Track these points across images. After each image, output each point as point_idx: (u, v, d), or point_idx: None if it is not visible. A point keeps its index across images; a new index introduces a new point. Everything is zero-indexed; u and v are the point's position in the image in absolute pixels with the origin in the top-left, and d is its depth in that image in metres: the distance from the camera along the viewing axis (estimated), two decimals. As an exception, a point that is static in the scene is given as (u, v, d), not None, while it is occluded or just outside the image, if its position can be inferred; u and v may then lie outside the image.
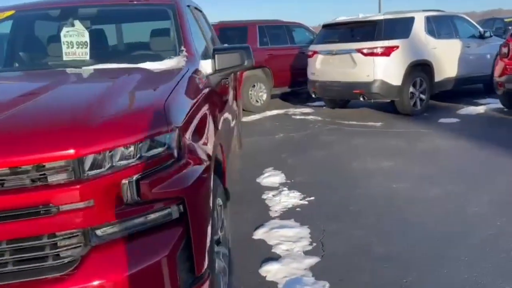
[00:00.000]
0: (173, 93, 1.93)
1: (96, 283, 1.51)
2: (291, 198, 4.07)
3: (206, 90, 2.44)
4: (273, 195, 4.18)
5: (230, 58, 2.85)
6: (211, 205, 1.90)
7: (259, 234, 3.38)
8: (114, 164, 1.57)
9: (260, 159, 5.48)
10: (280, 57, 9.40)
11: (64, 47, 3.00)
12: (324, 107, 9.04)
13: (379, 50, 7.29)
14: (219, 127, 2.55)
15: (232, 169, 5.06)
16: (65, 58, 2.97)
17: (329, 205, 3.91)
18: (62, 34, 3.02)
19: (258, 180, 4.66)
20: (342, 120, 7.67)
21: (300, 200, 4.05)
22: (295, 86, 9.73)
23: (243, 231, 3.43)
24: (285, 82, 9.68)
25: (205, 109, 2.22)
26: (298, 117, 8.28)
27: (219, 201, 2.45)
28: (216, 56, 2.80)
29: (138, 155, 1.62)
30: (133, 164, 1.60)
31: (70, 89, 1.98)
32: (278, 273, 2.80)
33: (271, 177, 4.69)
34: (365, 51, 7.37)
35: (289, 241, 3.22)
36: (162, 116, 1.70)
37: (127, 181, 1.58)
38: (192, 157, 1.82)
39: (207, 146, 2.02)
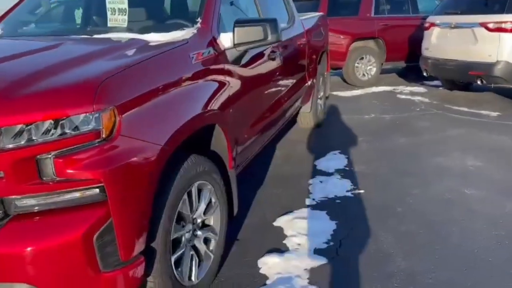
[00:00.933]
0: (130, 69, 1.85)
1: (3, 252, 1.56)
2: (337, 188, 3.74)
3: (201, 68, 2.30)
4: (321, 181, 3.89)
5: (252, 31, 2.63)
6: (151, 191, 1.81)
7: (281, 221, 3.18)
8: (31, 138, 1.57)
9: (332, 140, 5.12)
10: (397, 27, 8.50)
11: (108, 14, 3.09)
12: (440, 88, 8.02)
13: (508, 26, 6.10)
14: (216, 107, 2.39)
15: (295, 149, 4.86)
16: (109, 24, 3.06)
17: (376, 202, 3.49)
18: (107, 0, 3.12)
19: (315, 162, 4.37)
20: (452, 105, 6.72)
21: (347, 191, 3.69)
22: (413, 61, 8.78)
23: (268, 216, 3.27)
24: (401, 56, 8.79)
25: (181, 88, 2.09)
26: (403, 96, 7.50)
27: (206, 184, 2.34)
28: (235, 29, 2.61)
29: (59, 132, 1.59)
30: (51, 140, 1.58)
31: (31, 58, 2.02)
32: (274, 268, 2.61)
33: (331, 161, 4.36)
34: (490, 25, 6.22)
35: (306, 234, 2.97)
36: (91, 94, 1.63)
37: (43, 157, 1.58)
38: (131, 139, 1.74)
39: (165, 129, 1.92)
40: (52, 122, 1.58)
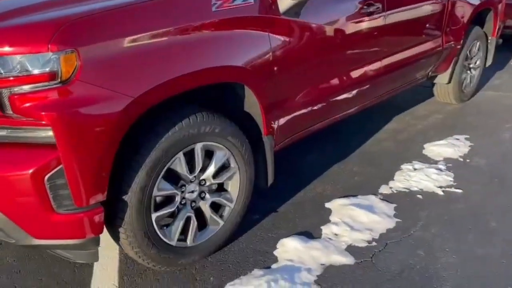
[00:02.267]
0: (111, 12, 1.71)
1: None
2: (429, 180, 3.05)
3: (223, 17, 2.00)
4: (415, 169, 3.23)
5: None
6: (112, 143, 1.71)
7: (335, 204, 2.77)
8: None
9: (462, 122, 4.18)
10: None
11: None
12: None
13: None
14: (242, 63, 2.10)
15: (411, 124, 4.15)
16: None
17: (468, 209, 2.74)
18: None
19: (425, 145, 3.63)
20: None
21: (439, 187, 2.98)
22: None
23: (325, 194, 2.89)
24: None
25: (183, 38, 1.87)
26: None
27: (217, 146, 2.15)
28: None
29: (18, 68, 1.59)
30: (9, 75, 1.59)
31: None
32: (289, 253, 2.31)
33: (445, 147, 3.57)
34: None
35: (350, 226, 2.53)
36: (50, 34, 1.56)
37: (4, 92, 1.61)
38: (94, 86, 1.64)
39: (144, 81, 1.75)
40: (12, 57, 1.60)
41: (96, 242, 1.87)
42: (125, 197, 1.88)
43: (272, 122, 2.43)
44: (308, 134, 2.85)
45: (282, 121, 2.52)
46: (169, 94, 1.88)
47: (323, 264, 2.24)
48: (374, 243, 2.41)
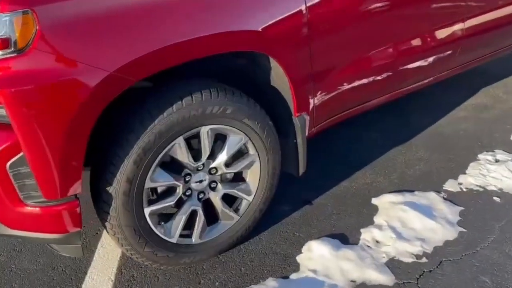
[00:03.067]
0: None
1: None
2: (509, 178, 2.43)
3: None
4: (496, 161, 2.58)
5: None
6: (84, 126, 1.39)
7: (384, 200, 2.28)
8: None
9: None
10: None
11: None
12: None
13: None
14: (261, 28, 1.64)
15: (501, 100, 3.40)
16: None
17: None
18: None
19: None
20: None
21: (526, 188, 2.36)
22: None
23: (372, 187, 2.40)
24: None
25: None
26: None
27: (231, 130, 1.76)
28: None
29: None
30: None
31: None
32: (315, 261, 1.90)
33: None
34: None
35: (398, 233, 2.04)
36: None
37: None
38: (59, 57, 1.31)
39: (124, 51, 1.38)
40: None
41: (75, 237, 1.61)
42: (109, 189, 1.59)
43: (306, 100, 1.97)
44: (357, 114, 2.35)
45: (319, 99, 2.05)
46: (161, 67, 1.50)
47: (353, 281, 1.82)
48: (424, 259, 1.92)
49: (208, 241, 1.92)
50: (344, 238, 2.05)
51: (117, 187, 1.58)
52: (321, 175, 2.49)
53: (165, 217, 1.83)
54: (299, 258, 1.95)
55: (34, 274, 1.93)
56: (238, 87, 1.84)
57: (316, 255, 1.94)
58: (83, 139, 1.43)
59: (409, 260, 1.91)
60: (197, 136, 1.72)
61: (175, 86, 1.66)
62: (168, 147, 1.65)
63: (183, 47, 1.51)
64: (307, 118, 2.02)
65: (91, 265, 1.97)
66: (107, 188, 1.59)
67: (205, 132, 1.72)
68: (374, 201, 2.29)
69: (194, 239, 1.87)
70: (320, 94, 2.04)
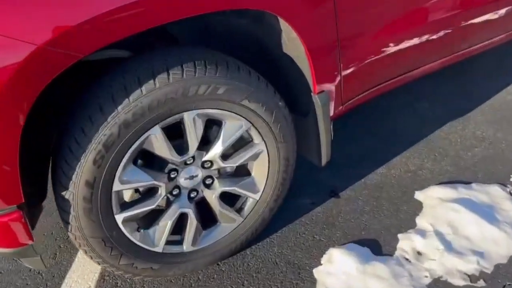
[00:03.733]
0: None
1: None
2: None
3: None
4: None
5: None
6: (14, 122, 1.03)
7: (431, 194, 1.80)
8: None
9: None
10: None
11: None
12: None
13: None
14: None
15: None
16: None
17: None
18: None
19: None
20: None
21: None
22: None
23: (426, 174, 1.93)
24: None
25: None
26: None
27: (226, 115, 1.35)
28: None
29: None
30: None
31: None
32: (331, 278, 1.50)
33: None
34: None
35: (447, 243, 1.59)
36: None
37: None
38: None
39: (55, 17, 0.98)
40: None
41: (30, 250, 1.30)
42: (66, 194, 1.24)
43: (329, 72, 1.51)
44: (401, 85, 1.85)
45: (349, 68, 1.57)
46: (116, 37, 1.09)
47: (384, 309, 1.43)
48: (481, 283, 1.48)
49: (204, 247, 1.57)
50: (376, 247, 1.63)
51: (74, 192, 1.24)
52: (351, 158, 2.04)
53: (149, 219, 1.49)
54: (316, 272, 1.56)
55: (8, 275, 1.68)
56: (240, 57, 1.42)
57: (338, 269, 1.55)
58: (12, 136, 1.07)
59: (461, 282, 1.48)
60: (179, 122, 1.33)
61: (144, 58, 1.26)
62: (140, 140, 1.26)
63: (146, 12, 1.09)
64: (332, 94, 1.56)
65: (71, 268, 1.68)
66: (63, 193, 1.24)
67: (190, 119, 1.31)
68: (418, 195, 1.83)
69: (186, 246, 1.52)
70: (350, 62, 1.57)
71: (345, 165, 1.99)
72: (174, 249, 1.52)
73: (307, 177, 1.92)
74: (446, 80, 2.54)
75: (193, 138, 1.35)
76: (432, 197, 1.80)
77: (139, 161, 1.41)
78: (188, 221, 1.49)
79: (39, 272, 1.68)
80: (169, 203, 1.47)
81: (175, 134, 1.37)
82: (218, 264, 1.63)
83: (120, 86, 1.20)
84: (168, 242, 1.50)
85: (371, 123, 2.28)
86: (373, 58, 1.64)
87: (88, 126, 1.19)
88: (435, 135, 2.17)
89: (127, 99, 1.19)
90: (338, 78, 1.55)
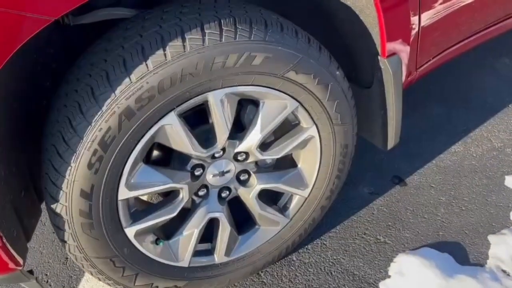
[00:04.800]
0: None
1: None
2: None
3: None
4: None
5: None
6: None
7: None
8: None
9: None
10: None
11: None
12: None
13: None
14: None
15: None
16: None
17: None
18: None
19: None
20: None
21: None
22: None
23: (496, 175, 1.53)
24: None
25: None
26: None
27: (251, 91, 0.98)
28: None
29: None
30: None
31: None
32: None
33: None
34: None
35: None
36: None
37: None
38: None
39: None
40: None
41: (21, 276, 1.03)
42: (56, 208, 0.94)
43: (404, 25, 1.10)
44: (486, 40, 1.42)
45: (429, 19, 1.16)
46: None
47: None
48: None
49: (240, 257, 1.26)
50: (460, 252, 1.27)
51: (67, 205, 0.93)
52: (418, 133, 1.65)
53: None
54: (383, 286, 1.23)
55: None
56: (282, 11, 1.04)
57: (412, 282, 1.21)
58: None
59: None
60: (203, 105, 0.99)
61: (149, 17, 0.90)
62: (150, 132, 0.93)
63: None
64: (406, 56, 1.17)
65: (84, 277, 1.43)
66: (53, 207, 0.94)
67: (217, 101, 0.96)
68: (509, 182, 1.43)
69: (218, 257, 1.22)
70: (432, 11, 1.16)
71: (411, 142, 1.61)
72: (204, 260, 1.21)
73: (365, 158, 1.56)
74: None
75: (221, 126, 1.00)
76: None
77: (153, 155, 1.10)
78: (220, 227, 1.18)
79: (47, 281, 1.43)
80: (195, 206, 1.15)
81: (198, 118, 1.04)
82: (258, 275, 1.32)
83: (116, 59, 0.86)
84: (196, 253, 1.20)
85: (441, 88, 1.85)
86: (455, 7, 1.22)
87: (77, 118, 0.86)
88: (525, 101, 1.74)
89: (127, 78, 0.85)
90: (416, 34, 1.15)
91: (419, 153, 1.58)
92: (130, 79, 0.85)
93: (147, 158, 1.06)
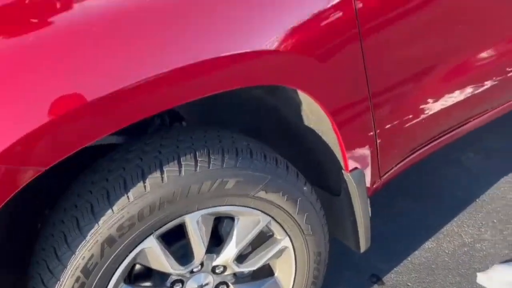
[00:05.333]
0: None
1: None
2: None
3: None
4: None
5: None
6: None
7: (493, 277, 1.47)
8: None
9: None
10: None
11: None
12: None
13: None
14: (282, 47, 0.92)
15: None
16: None
17: None
18: None
19: None
20: None
21: None
22: None
23: (488, 251, 1.60)
24: None
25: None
26: None
27: (225, 212, 1.07)
28: None
29: None
30: None
31: None
32: None
33: None
34: None
35: None
36: None
37: None
38: None
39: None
40: None
41: None
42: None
43: (362, 142, 1.23)
44: (449, 142, 1.56)
45: (387, 133, 1.29)
46: (87, 140, 0.84)
47: None
48: None
49: None
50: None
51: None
52: (391, 230, 1.73)
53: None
54: None
55: None
56: (253, 131, 1.16)
57: None
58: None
59: None
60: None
61: (132, 149, 1.01)
62: (131, 256, 1.00)
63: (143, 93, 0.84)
64: (367, 169, 1.28)
65: None
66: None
67: (193, 223, 1.04)
68: (481, 279, 1.49)
69: None
70: (387, 128, 1.29)
71: (386, 239, 1.68)
72: None
73: (341, 258, 1.61)
74: (490, 126, 2.23)
75: (198, 245, 1.07)
76: (499, 281, 1.47)
77: (135, 271, 1.15)
78: None
79: None
80: (175, 321, 1.19)
81: (175, 233, 1.11)
82: None
83: (100, 191, 0.95)
84: None
85: (412, 183, 1.96)
86: (417, 118, 1.36)
87: (62, 248, 0.93)
88: (490, 194, 1.84)
89: (110, 210, 0.93)
90: (374, 149, 1.27)
91: (394, 250, 1.65)
92: (112, 210, 0.93)
93: (128, 274, 1.12)
